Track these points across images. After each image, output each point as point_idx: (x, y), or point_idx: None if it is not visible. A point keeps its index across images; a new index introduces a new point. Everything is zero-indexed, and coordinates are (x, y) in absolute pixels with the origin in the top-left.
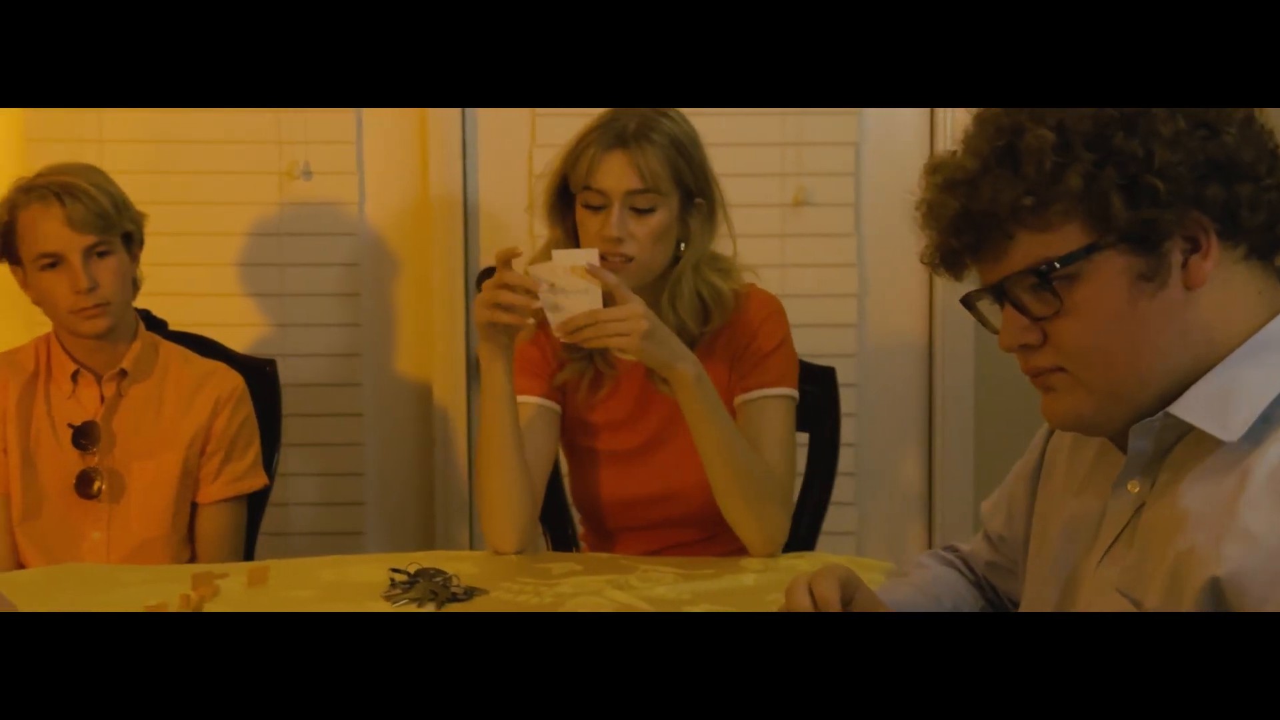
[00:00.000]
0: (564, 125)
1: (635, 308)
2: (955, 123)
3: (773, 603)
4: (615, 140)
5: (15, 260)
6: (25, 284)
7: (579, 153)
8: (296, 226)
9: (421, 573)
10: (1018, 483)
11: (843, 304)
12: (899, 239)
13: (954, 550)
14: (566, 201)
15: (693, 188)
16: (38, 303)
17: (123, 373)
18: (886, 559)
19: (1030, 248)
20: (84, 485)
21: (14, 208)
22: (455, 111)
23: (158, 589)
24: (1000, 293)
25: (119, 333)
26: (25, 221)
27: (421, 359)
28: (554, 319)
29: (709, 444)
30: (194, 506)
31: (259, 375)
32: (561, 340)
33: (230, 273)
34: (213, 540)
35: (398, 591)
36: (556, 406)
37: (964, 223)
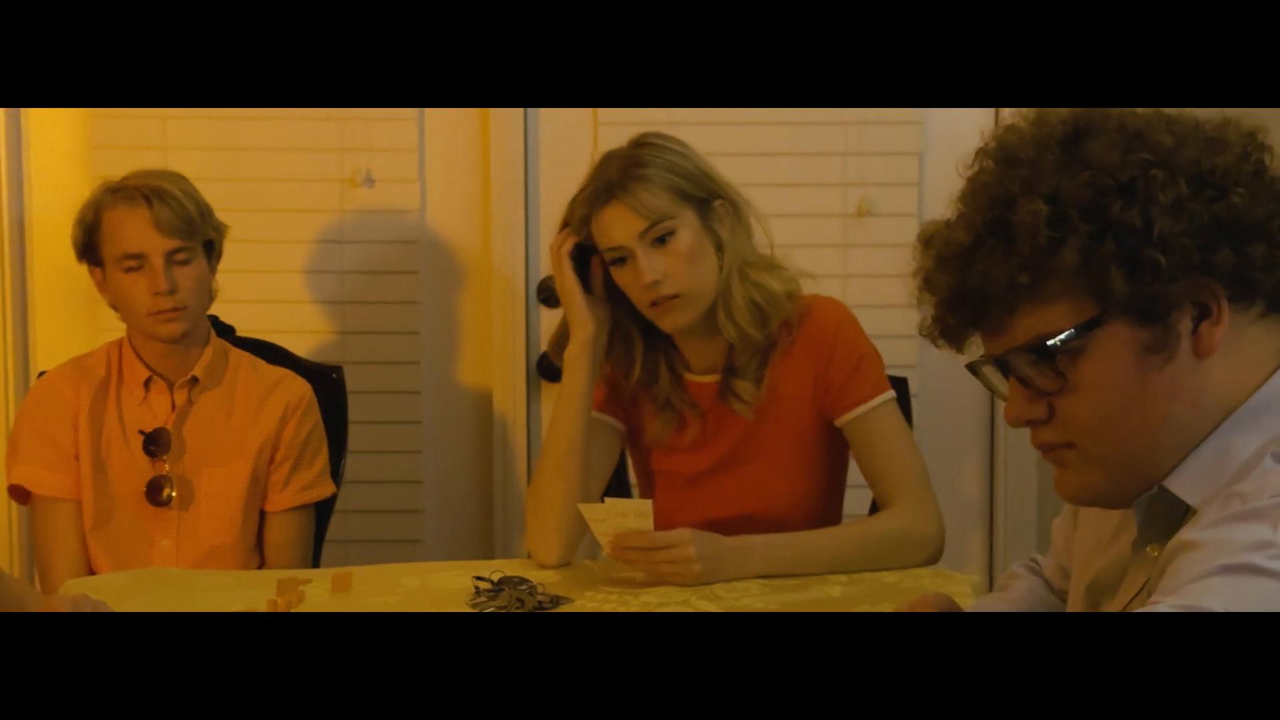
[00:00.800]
0: (627, 131)
1: (687, 550)
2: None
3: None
4: (604, 194)
5: (96, 261)
6: (103, 285)
7: (581, 218)
8: (358, 234)
9: (505, 580)
10: (1068, 512)
11: (904, 315)
12: None
13: (1036, 564)
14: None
15: (703, 195)
16: (115, 305)
17: (194, 380)
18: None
19: (1030, 323)
20: (154, 492)
21: (100, 208)
22: (517, 118)
23: (242, 595)
24: (1004, 366)
25: (192, 339)
26: (111, 221)
27: (481, 367)
28: (600, 531)
29: (826, 569)
30: (262, 515)
31: (325, 382)
32: (609, 555)
33: (292, 280)
34: (281, 549)
35: (483, 599)
36: (621, 426)
37: (959, 299)
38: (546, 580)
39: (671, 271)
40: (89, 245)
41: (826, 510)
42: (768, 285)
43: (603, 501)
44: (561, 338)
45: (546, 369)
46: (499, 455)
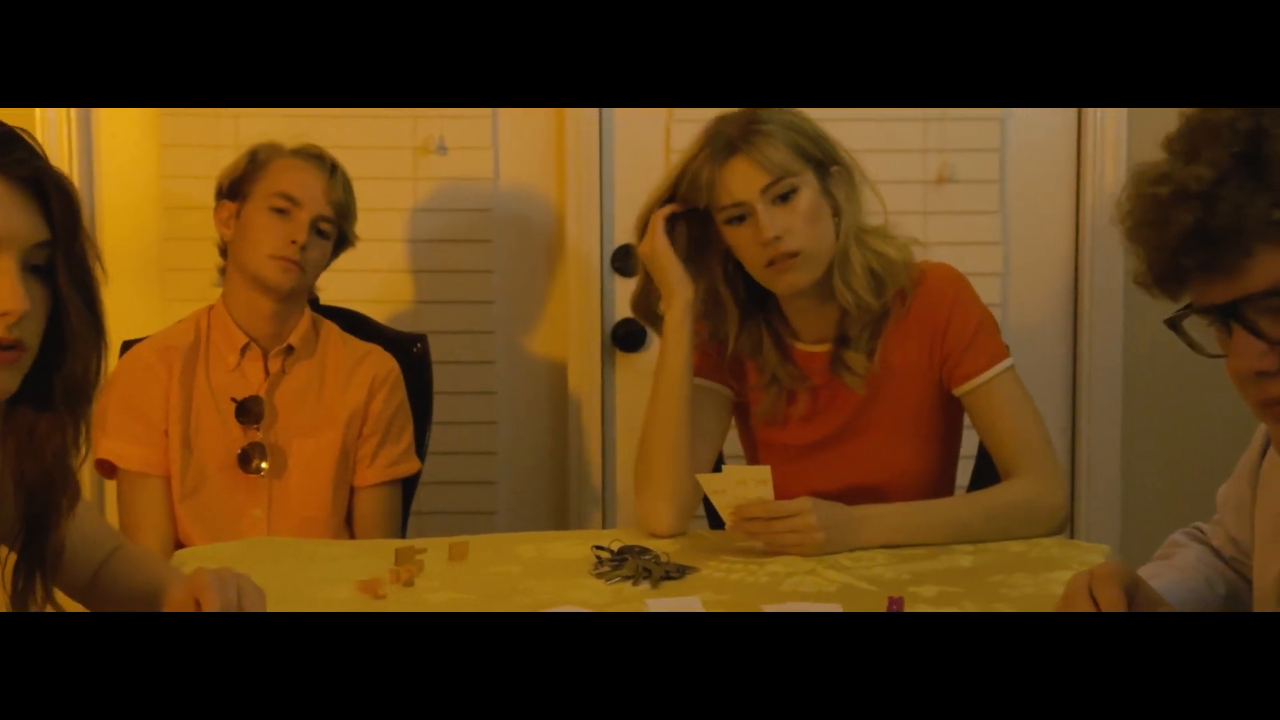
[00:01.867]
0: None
1: (809, 519)
2: (1103, 118)
3: (997, 584)
4: (725, 150)
5: (238, 195)
6: (230, 220)
7: (694, 176)
8: (431, 202)
9: (627, 550)
10: (1242, 481)
11: (986, 283)
12: (1044, 216)
13: (1201, 532)
14: (696, 236)
15: (822, 158)
16: (234, 240)
17: (290, 348)
18: None
19: (1273, 265)
20: (247, 461)
21: (275, 153)
22: None
23: (362, 564)
24: (1232, 314)
25: (292, 303)
26: (283, 166)
27: (556, 337)
28: (722, 503)
29: (950, 539)
30: (350, 490)
31: (407, 352)
32: (729, 528)
33: (364, 248)
34: (370, 524)
35: (607, 569)
36: (728, 391)
37: (1197, 239)
38: (666, 550)
39: (792, 229)
40: (243, 177)
41: (941, 480)
42: (885, 252)
43: (720, 470)
44: (647, 299)
45: (622, 338)
46: (574, 426)
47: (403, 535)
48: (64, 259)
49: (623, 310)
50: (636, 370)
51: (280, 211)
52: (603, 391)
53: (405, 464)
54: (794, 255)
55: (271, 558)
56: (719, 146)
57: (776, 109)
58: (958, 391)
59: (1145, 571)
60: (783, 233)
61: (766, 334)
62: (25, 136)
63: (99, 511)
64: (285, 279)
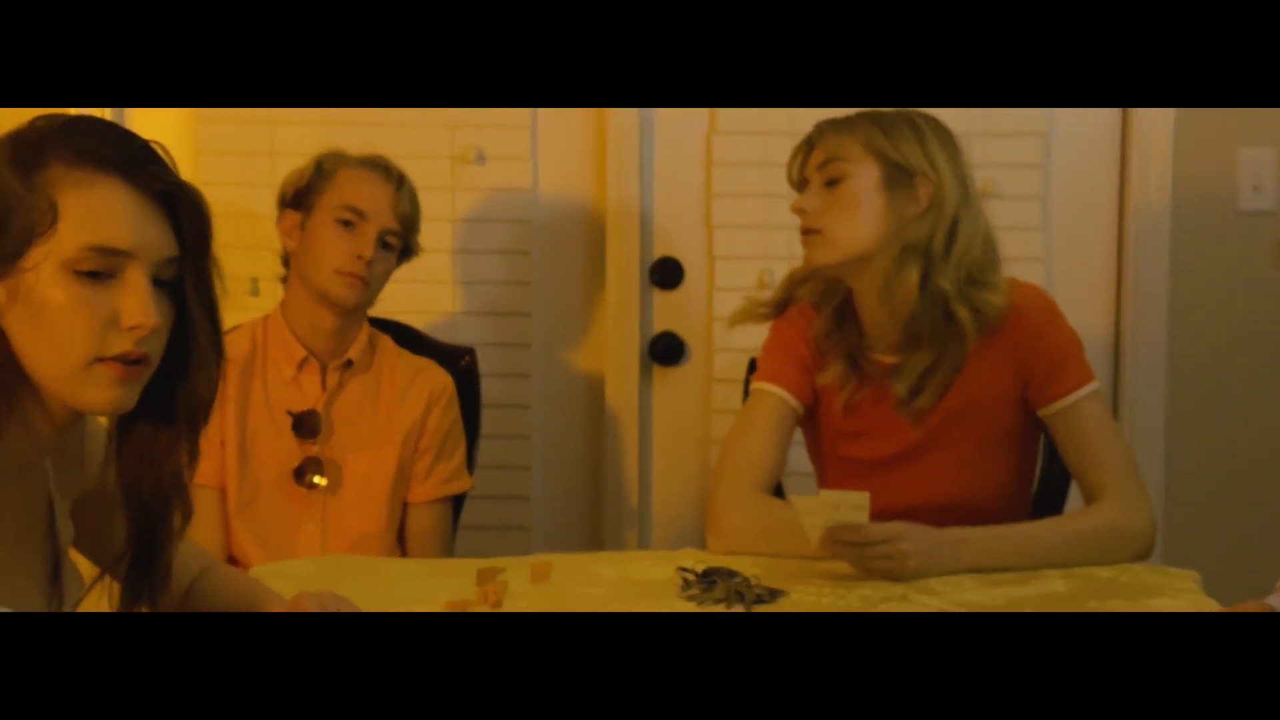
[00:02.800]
0: (744, 111)
1: (901, 545)
2: (1149, 114)
3: (1094, 611)
4: (817, 134)
5: (304, 206)
6: (294, 229)
7: (792, 155)
8: (469, 212)
9: (713, 572)
10: None
11: None
12: (1087, 233)
13: None
14: None
15: (901, 163)
16: (297, 252)
17: (349, 363)
18: None
19: None
20: (302, 475)
21: (341, 163)
22: None
23: (443, 584)
24: None
25: (353, 318)
26: (351, 177)
27: (594, 351)
28: (812, 527)
29: (1038, 564)
30: (403, 505)
31: (454, 364)
32: (817, 553)
33: None
34: (423, 540)
35: (696, 591)
36: (801, 407)
37: None
38: (746, 572)
39: (823, 210)
40: (309, 187)
41: (1014, 502)
42: (991, 300)
43: (817, 494)
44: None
45: (660, 352)
46: (610, 442)
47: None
48: (192, 275)
49: (661, 323)
50: (674, 384)
51: (346, 224)
52: (640, 406)
53: (458, 481)
54: (814, 232)
55: (349, 577)
56: (815, 128)
57: (899, 112)
58: (1043, 413)
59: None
60: (810, 209)
61: (853, 325)
62: (159, 150)
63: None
64: (350, 294)
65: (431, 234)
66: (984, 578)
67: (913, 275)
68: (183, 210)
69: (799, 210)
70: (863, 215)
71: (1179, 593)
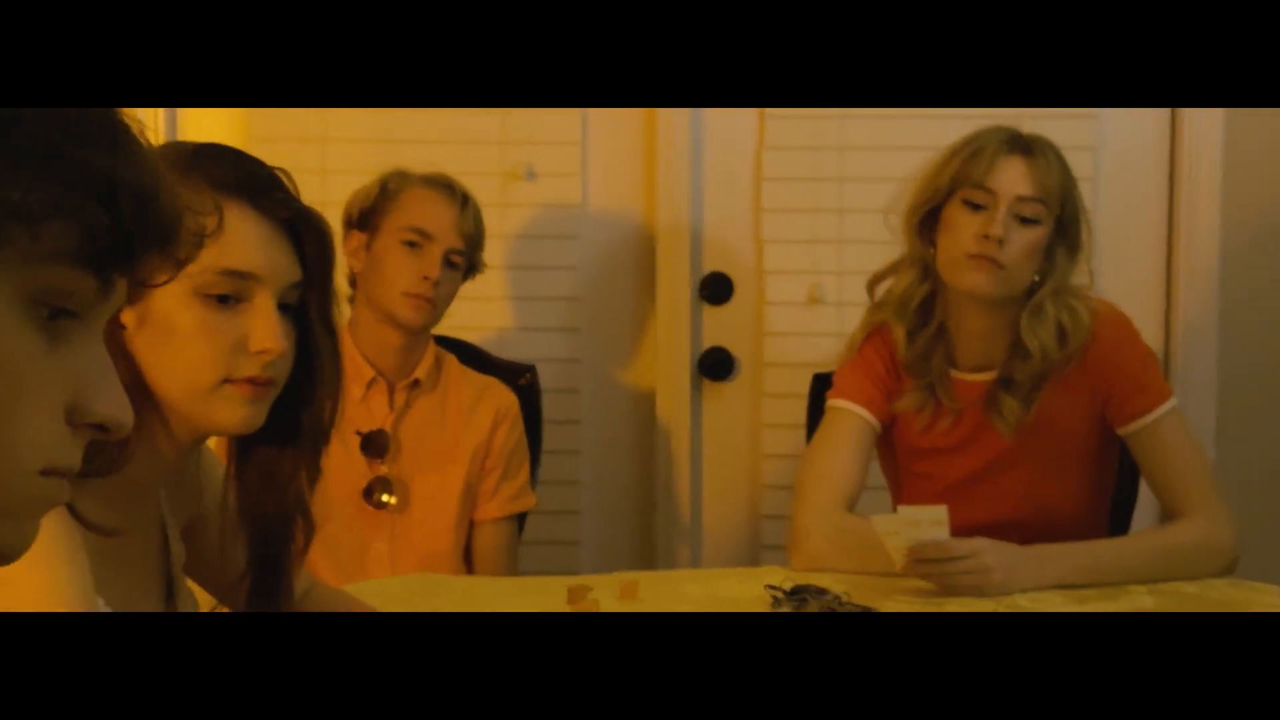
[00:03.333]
0: (793, 126)
1: (985, 559)
2: (1197, 127)
3: None
4: (1014, 145)
5: (369, 226)
6: (360, 250)
7: (971, 153)
8: (519, 229)
9: (802, 589)
10: None
11: None
12: (1136, 247)
13: None
14: (933, 211)
15: (1064, 217)
16: (364, 273)
17: (416, 382)
18: None
19: None
20: (371, 494)
21: (406, 182)
22: (684, 113)
23: (533, 601)
24: None
25: (420, 337)
26: (416, 198)
27: (644, 366)
28: (894, 545)
29: (1121, 579)
30: (470, 524)
31: (514, 381)
32: (900, 571)
33: None
34: (490, 558)
35: (789, 608)
36: (879, 424)
37: None
38: (838, 590)
39: (1014, 246)
40: (374, 208)
41: (1092, 518)
42: (1078, 310)
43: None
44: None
45: (710, 368)
46: (660, 456)
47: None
48: (315, 300)
49: (711, 338)
50: (724, 399)
51: (412, 245)
52: (691, 421)
53: (524, 498)
54: (999, 265)
55: (438, 596)
56: (1006, 138)
57: (1060, 153)
58: (1123, 431)
59: None
60: (1007, 241)
61: (940, 349)
62: (284, 178)
63: None
64: (418, 316)
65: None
66: (1072, 593)
67: (1049, 305)
68: (307, 236)
69: (990, 238)
70: (1031, 264)
71: (1266, 607)
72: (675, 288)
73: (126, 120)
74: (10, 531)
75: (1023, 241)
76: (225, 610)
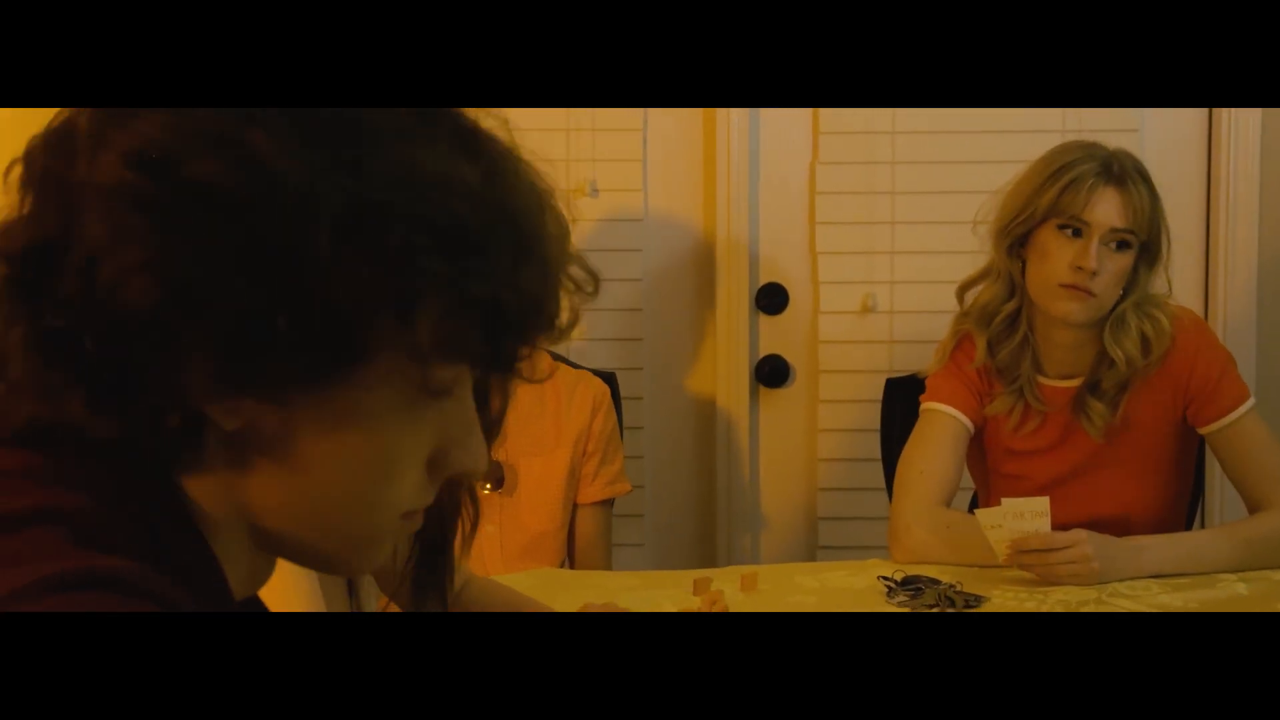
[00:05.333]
0: (847, 141)
1: (1084, 549)
2: (1236, 124)
3: None
4: (1108, 175)
5: None
6: None
7: (1069, 182)
8: (583, 242)
9: (915, 579)
10: None
11: None
12: (1175, 245)
13: None
14: (1029, 231)
15: (1149, 239)
16: None
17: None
18: None
19: None
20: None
21: None
22: (741, 128)
23: (660, 594)
24: None
25: None
26: None
27: (705, 374)
28: (997, 538)
29: (1214, 568)
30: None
31: None
32: (1003, 563)
33: None
34: (591, 541)
35: (905, 597)
36: (973, 426)
37: None
38: (948, 580)
39: (1106, 274)
40: None
41: (1175, 514)
42: (1159, 319)
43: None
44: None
45: (766, 375)
46: (722, 461)
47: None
48: None
49: (767, 347)
50: (780, 406)
51: None
52: (750, 426)
53: (621, 483)
54: (1090, 295)
55: (564, 589)
56: (1106, 169)
57: (1149, 176)
58: (1204, 431)
59: None
60: (1100, 272)
61: (1028, 357)
62: None
63: None
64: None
65: None
66: (1169, 582)
67: (1131, 317)
68: None
69: (1084, 270)
70: (1119, 286)
71: None
72: (734, 298)
73: (545, 190)
74: (368, 558)
75: (1114, 270)
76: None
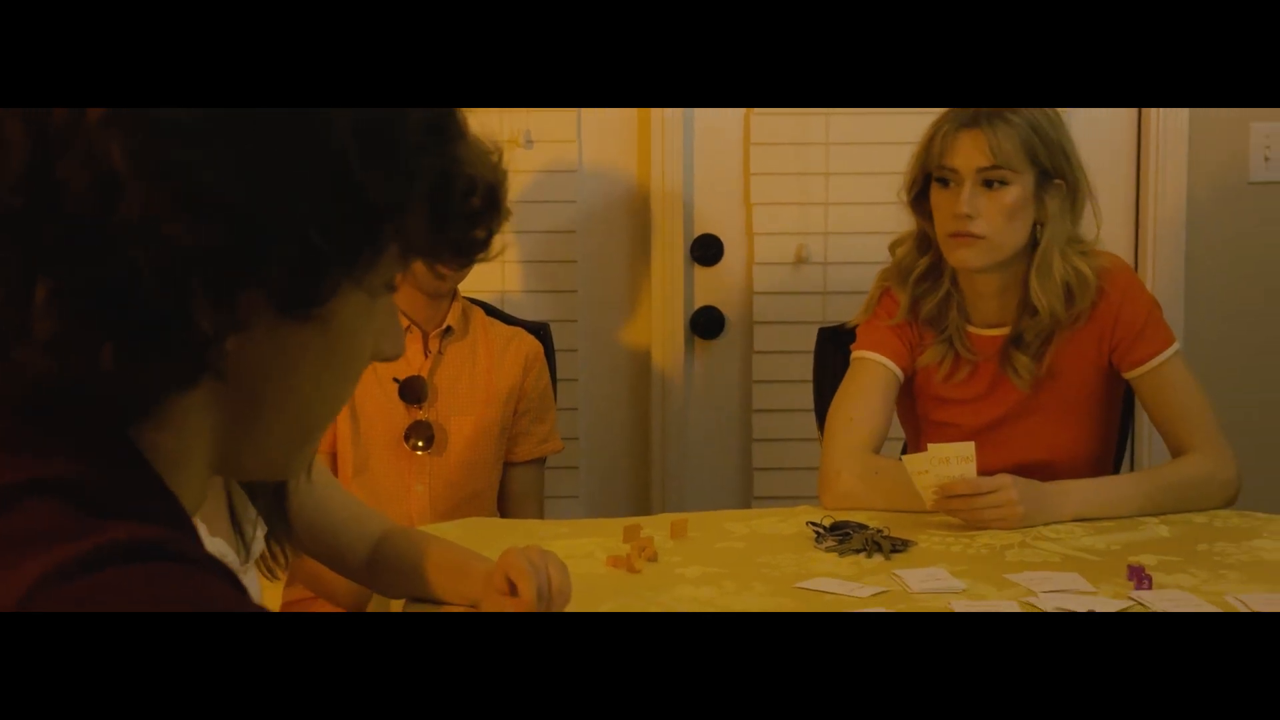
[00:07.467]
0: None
1: (1009, 494)
2: (1164, 125)
3: (1205, 552)
4: (968, 119)
5: None
6: None
7: (933, 135)
8: (517, 194)
9: (843, 525)
10: None
11: None
12: (1105, 211)
13: None
14: (924, 189)
15: (1049, 167)
16: None
17: (448, 329)
18: None
19: None
20: (411, 438)
21: None
22: None
23: (590, 543)
24: None
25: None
26: None
27: (639, 326)
28: (924, 484)
29: (1135, 512)
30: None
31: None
32: (930, 508)
33: None
34: (522, 500)
35: (832, 542)
36: (902, 374)
37: None
38: (875, 525)
39: (986, 215)
40: None
41: (1102, 459)
42: (1082, 270)
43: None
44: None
45: (701, 326)
46: (656, 413)
47: None
48: None
49: (702, 298)
50: (714, 357)
51: None
52: (686, 378)
53: (552, 441)
54: (978, 237)
55: (494, 539)
56: (965, 116)
57: (1034, 110)
58: (1130, 376)
59: None
60: (975, 214)
61: (955, 306)
62: None
63: None
64: (443, 284)
65: None
66: (1093, 525)
67: (1056, 265)
68: None
69: (961, 216)
70: (1017, 223)
71: (1276, 535)
72: (668, 250)
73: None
74: (310, 456)
75: (995, 207)
76: None
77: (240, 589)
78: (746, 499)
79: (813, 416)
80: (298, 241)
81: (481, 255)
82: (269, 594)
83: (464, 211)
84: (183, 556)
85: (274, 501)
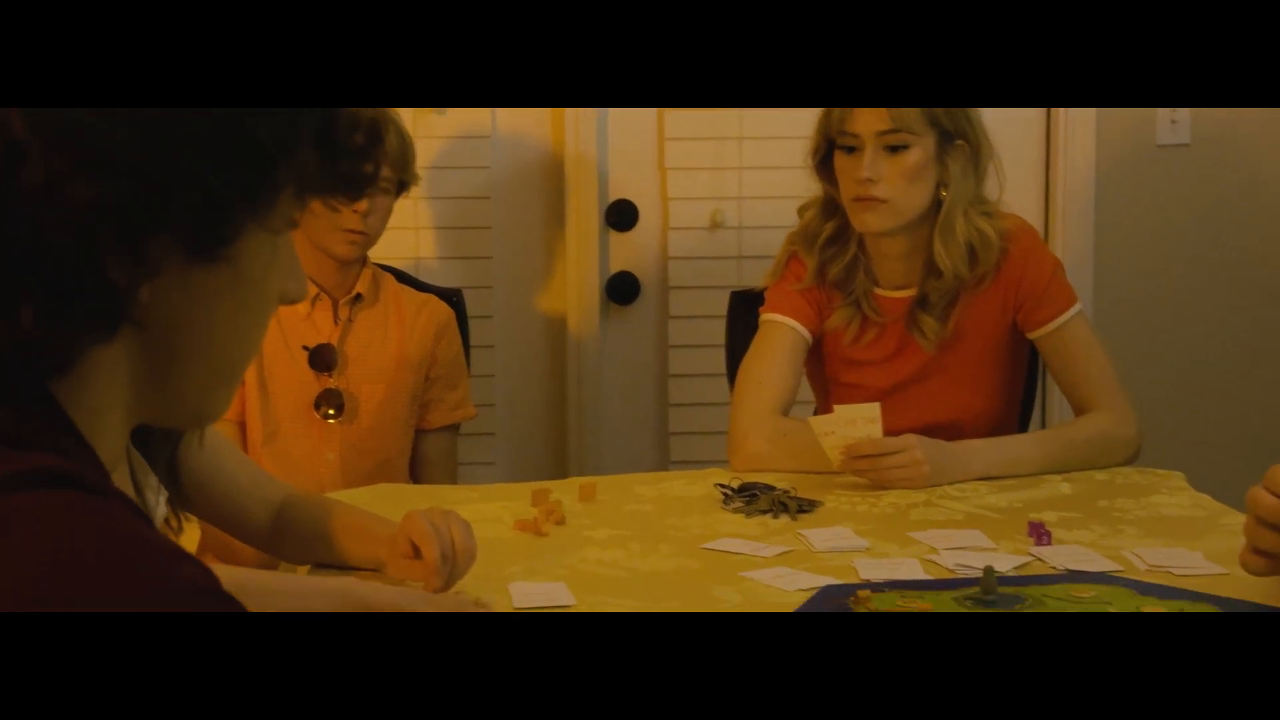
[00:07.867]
0: None
1: (915, 454)
2: (1070, 122)
3: (1106, 508)
4: None
5: None
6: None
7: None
8: (430, 160)
9: (751, 486)
10: None
11: None
12: (1016, 176)
13: None
14: (828, 154)
15: (950, 129)
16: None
17: (358, 296)
18: None
19: None
20: (321, 406)
21: None
22: None
23: (499, 507)
24: None
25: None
26: None
27: (555, 292)
28: (830, 445)
29: (1037, 470)
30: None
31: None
32: (837, 469)
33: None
34: (435, 466)
35: (740, 504)
36: (810, 337)
37: None
38: (783, 486)
39: (888, 178)
40: None
41: (1007, 419)
42: (985, 230)
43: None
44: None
45: (616, 292)
46: (572, 378)
47: None
48: None
49: (617, 263)
50: (630, 322)
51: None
52: (601, 344)
53: (464, 409)
54: (881, 201)
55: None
56: None
57: None
58: (1033, 335)
59: None
60: (877, 178)
61: (862, 270)
62: None
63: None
64: (352, 250)
65: None
66: (993, 484)
67: (959, 226)
68: None
69: (863, 180)
70: (920, 184)
71: (1174, 490)
72: (583, 215)
73: None
74: (228, 401)
75: (896, 171)
76: None
77: (151, 525)
78: (663, 463)
79: (727, 381)
80: (199, 188)
81: (370, 189)
82: None
83: (349, 147)
84: (98, 489)
85: (167, 467)
